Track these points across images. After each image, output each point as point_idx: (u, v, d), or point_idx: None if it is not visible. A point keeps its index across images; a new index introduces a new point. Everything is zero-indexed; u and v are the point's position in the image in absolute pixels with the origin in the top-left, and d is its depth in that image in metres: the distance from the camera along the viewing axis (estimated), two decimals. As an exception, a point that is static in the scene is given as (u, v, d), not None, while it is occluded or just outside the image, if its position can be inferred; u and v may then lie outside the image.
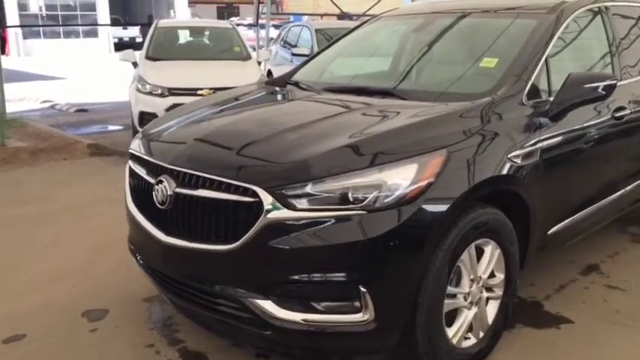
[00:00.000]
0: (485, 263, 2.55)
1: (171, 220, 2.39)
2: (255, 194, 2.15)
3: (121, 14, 34.77)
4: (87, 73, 19.01)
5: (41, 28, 28.74)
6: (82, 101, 11.85)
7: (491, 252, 2.56)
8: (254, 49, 11.07)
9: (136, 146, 2.80)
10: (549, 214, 2.88)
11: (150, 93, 6.78)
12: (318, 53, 3.93)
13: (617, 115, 3.23)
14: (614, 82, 2.80)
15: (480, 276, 2.53)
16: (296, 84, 3.42)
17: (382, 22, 3.91)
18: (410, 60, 3.43)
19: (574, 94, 2.77)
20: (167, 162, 2.45)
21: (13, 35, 27.31)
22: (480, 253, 2.53)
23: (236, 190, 2.20)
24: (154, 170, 2.52)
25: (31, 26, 28.13)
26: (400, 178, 2.18)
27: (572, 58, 3.22)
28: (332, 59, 3.81)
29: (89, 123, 9.49)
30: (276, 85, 3.53)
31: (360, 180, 2.15)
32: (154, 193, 2.44)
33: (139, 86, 6.88)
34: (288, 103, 3.28)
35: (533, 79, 2.79)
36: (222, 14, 41.02)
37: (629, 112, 3.32)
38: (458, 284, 2.45)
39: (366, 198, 2.13)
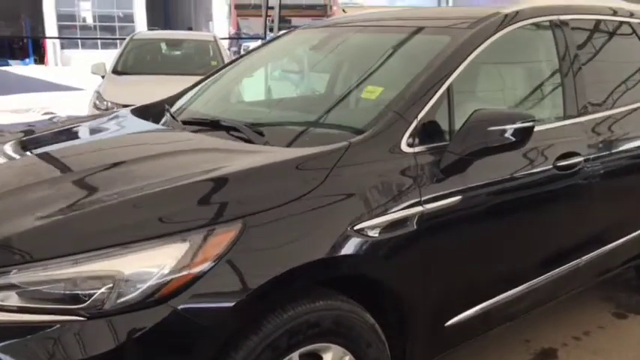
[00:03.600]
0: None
1: None
2: None
3: (161, 26, 35.09)
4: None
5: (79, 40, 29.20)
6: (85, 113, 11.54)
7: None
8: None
9: None
10: (445, 301, 2.12)
11: (106, 110, 6.26)
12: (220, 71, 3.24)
13: (562, 164, 2.42)
14: (529, 124, 2.01)
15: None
16: (161, 113, 2.73)
17: (293, 36, 3.19)
18: (288, 87, 2.71)
19: (476, 139, 2.01)
20: None
21: (52, 45, 27.79)
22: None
23: None
24: None
25: (64, 38, 28.59)
26: (150, 265, 1.48)
27: (498, 89, 2.44)
28: (231, 80, 3.12)
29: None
30: (151, 112, 2.84)
31: (82, 269, 1.47)
32: None
33: (97, 102, 6.38)
34: (92, 143, 2.50)
35: (423, 116, 2.04)
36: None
37: (582, 160, 2.50)
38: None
39: (91, 296, 1.45)
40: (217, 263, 1.52)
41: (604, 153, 2.63)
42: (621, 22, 3.04)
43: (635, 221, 2.95)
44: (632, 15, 3.12)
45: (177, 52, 8.00)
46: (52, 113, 11.89)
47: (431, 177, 2.00)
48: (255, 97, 2.92)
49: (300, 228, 1.66)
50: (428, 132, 2.05)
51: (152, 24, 31.31)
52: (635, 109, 2.88)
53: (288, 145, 2.00)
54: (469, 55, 2.23)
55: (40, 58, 28.17)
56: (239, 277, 1.54)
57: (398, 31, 2.64)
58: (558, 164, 2.40)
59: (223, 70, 3.07)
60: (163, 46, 7.95)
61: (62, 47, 28.47)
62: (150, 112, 2.76)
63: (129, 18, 30.68)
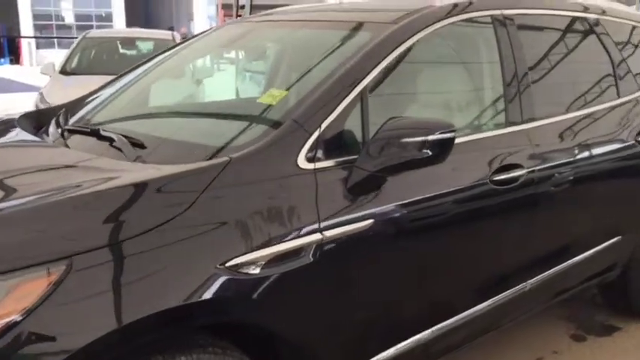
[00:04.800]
0: None
1: None
2: None
3: (141, 26, 34.51)
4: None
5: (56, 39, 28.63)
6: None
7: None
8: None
9: None
10: (356, 342, 1.81)
11: (50, 112, 5.89)
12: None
13: (500, 178, 2.12)
14: (449, 135, 1.70)
15: None
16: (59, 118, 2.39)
17: (215, 33, 2.84)
18: (189, 90, 2.38)
19: (388, 152, 1.69)
20: None
21: (27, 45, 27.20)
22: None
23: None
24: None
25: (39, 37, 28.03)
26: None
27: (426, 93, 2.14)
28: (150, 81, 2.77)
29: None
30: (43, 117, 2.50)
31: None
32: None
33: (39, 104, 6.02)
34: None
35: (328, 125, 1.72)
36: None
37: (524, 172, 2.21)
38: None
39: None
40: (26, 318, 1.20)
41: (552, 164, 2.33)
42: (577, 19, 2.75)
43: (591, 238, 2.66)
44: (603, 12, 2.83)
45: (134, 52, 7.62)
46: (10, 114, 11.42)
47: (335, 198, 1.68)
48: (166, 100, 2.58)
49: (146, 268, 1.34)
50: (335, 144, 1.74)
51: (131, 23, 30.76)
52: (588, 115, 2.59)
53: (168, 162, 1.68)
54: (390, 53, 1.92)
55: (17, 58, 27.56)
56: (55, 336, 1.22)
57: (319, 27, 2.32)
58: (495, 178, 2.10)
59: (141, 69, 2.71)
60: (119, 45, 7.57)
61: (38, 47, 27.86)
62: (42, 117, 2.42)
63: (109, 17, 30.15)
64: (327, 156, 1.72)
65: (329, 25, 2.29)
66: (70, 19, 30.75)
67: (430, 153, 1.66)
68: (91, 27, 30.02)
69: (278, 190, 1.60)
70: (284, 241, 1.55)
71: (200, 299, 1.38)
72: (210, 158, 1.59)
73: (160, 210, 1.42)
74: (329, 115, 1.73)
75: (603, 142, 2.60)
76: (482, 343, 2.47)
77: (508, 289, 2.27)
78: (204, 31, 2.78)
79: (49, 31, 29.19)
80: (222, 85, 2.88)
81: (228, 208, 1.51)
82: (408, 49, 1.98)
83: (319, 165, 1.69)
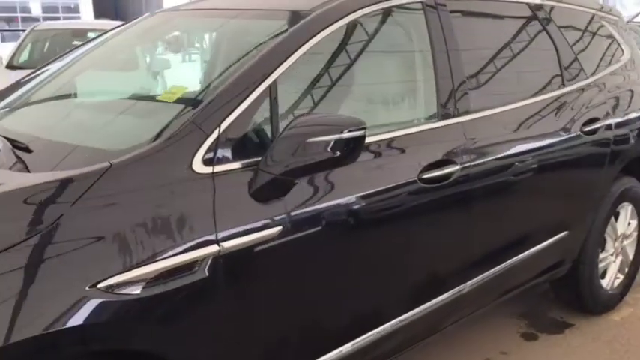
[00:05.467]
0: None
1: None
2: None
3: (111, 18, 33.85)
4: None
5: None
6: None
7: None
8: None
9: None
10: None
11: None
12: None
13: (430, 175, 1.99)
14: (359, 133, 1.55)
15: None
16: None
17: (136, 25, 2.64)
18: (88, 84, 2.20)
19: (293, 153, 1.54)
20: None
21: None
22: None
23: None
24: None
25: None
26: None
27: (346, 88, 1.99)
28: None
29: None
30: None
31: None
32: None
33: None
34: None
35: (229, 125, 1.56)
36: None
37: (458, 169, 2.07)
38: None
39: None
40: None
41: (489, 159, 2.21)
42: (518, 4, 2.62)
43: (535, 235, 2.55)
44: None
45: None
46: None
47: (236, 204, 1.53)
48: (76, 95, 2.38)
49: (2, 293, 1.18)
50: (239, 145, 1.59)
51: (101, 15, 30.09)
52: (529, 106, 2.47)
53: (50, 167, 1.51)
54: (303, 44, 1.76)
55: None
56: None
57: (234, 16, 2.15)
58: (425, 176, 1.96)
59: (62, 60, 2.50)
60: (71, 37, 7.28)
61: (3, 40, 27.14)
62: None
63: (77, 9, 29.52)
64: (229, 159, 1.56)
65: (246, 14, 2.12)
66: (37, 10, 30.05)
67: (338, 154, 1.52)
68: (58, 19, 29.38)
69: (168, 197, 1.44)
70: (173, 256, 1.39)
71: (65, 327, 1.22)
72: (91, 164, 1.42)
73: (21, 226, 1.26)
74: (230, 114, 1.58)
75: (546, 134, 2.48)
76: (427, 343, 2.36)
77: (443, 293, 2.15)
78: (132, 21, 2.60)
79: (15, 24, 28.47)
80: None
81: (106, 220, 1.34)
82: (327, 39, 1.83)
83: (219, 169, 1.53)
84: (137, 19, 2.52)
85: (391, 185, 1.87)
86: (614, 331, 2.96)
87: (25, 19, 29.32)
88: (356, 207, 1.77)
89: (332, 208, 1.70)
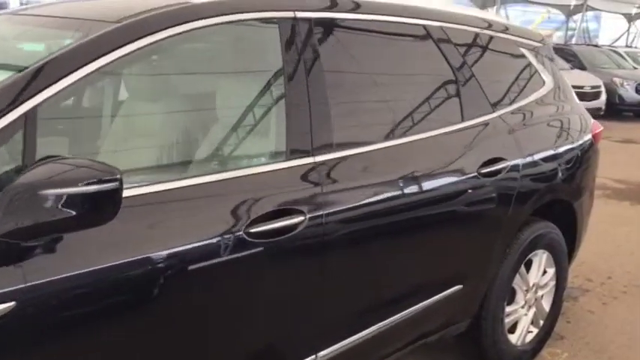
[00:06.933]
0: None
1: None
2: None
3: None
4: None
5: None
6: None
7: None
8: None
9: None
10: None
11: None
12: None
13: (256, 230, 1.61)
14: (112, 185, 1.19)
15: None
16: None
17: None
18: None
19: (19, 208, 1.17)
20: None
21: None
22: None
23: None
24: None
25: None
26: None
27: (148, 118, 1.62)
28: None
29: None
30: None
31: None
32: None
33: None
34: None
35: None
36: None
37: (305, 219, 1.70)
38: None
39: None
40: None
41: (346, 207, 1.84)
42: (406, 25, 2.24)
43: (418, 291, 2.18)
44: (444, 19, 2.37)
45: None
46: None
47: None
48: None
49: None
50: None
51: None
52: (414, 143, 2.12)
53: None
54: (84, 65, 1.40)
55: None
56: None
57: (48, 25, 1.77)
58: (253, 230, 1.60)
59: None
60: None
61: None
62: None
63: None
64: None
65: (55, 22, 1.76)
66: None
67: (73, 212, 1.15)
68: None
69: None
70: None
71: None
72: None
73: None
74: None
75: (432, 175, 2.13)
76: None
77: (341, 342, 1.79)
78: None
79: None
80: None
81: None
82: (124, 58, 1.47)
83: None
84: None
85: (216, 241, 1.51)
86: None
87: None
88: (136, 273, 1.39)
89: (91, 275, 1.31)
